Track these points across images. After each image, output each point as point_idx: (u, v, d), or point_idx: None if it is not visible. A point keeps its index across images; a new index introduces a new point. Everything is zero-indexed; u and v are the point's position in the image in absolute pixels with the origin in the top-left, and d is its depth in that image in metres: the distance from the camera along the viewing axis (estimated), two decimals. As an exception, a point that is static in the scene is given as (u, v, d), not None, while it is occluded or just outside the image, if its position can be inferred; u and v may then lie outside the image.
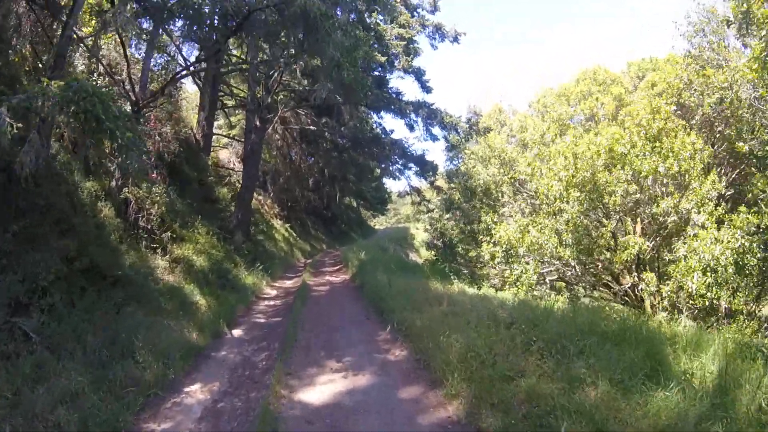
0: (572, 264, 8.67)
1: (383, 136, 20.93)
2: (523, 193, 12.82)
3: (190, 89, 21.55)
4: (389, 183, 57.25)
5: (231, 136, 23.53)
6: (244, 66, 14.85)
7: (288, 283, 13.40)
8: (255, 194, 23.89)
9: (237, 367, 5.64)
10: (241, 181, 15.99)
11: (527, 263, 9.09)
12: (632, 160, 9.35)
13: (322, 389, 4.56)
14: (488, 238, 11.30)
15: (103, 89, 4.87)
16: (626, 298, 11.96)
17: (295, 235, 25.20)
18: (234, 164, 21.31)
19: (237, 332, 7.27)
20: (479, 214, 12.75)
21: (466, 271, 12.07)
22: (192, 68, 12.02)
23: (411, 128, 18.80)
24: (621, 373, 4.06)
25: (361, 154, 22.72)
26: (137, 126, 5.98)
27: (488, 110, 19.68)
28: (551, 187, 8.52)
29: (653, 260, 9.39)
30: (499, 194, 12.60)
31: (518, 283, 9.30)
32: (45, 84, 4.34)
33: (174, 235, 10.21)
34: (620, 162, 9.51)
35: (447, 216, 14.48)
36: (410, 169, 20.87)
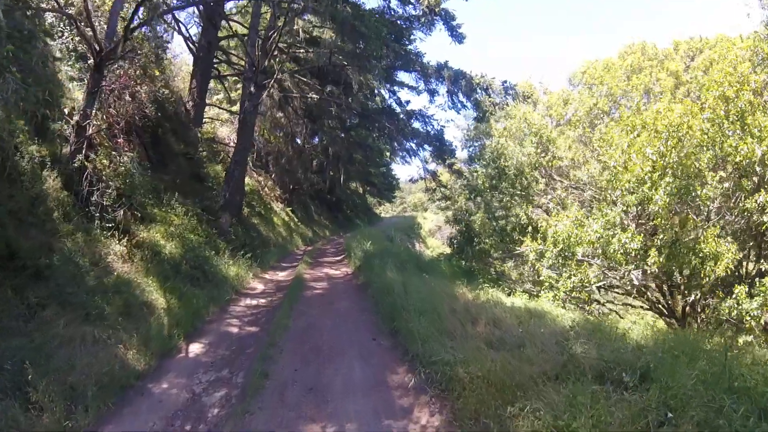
0: (652, 271, 6.60)
1: (398, 107, 18.62)
2: (563, 181, 10.74)
3: (186, 58, 19.60)
4: (397, 169, 55.16)
5: (232, 111, 21.58)
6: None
7: (280, 275, 11.52)
8: (255, 175, 22.01)
9: (176, 414, 3.74)
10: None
11: (588, 267, 7.06)
12: (720, 141, 7.27)
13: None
14: (522, 236, 9.29)
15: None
16: (660, 307, 10.00)
17: (296, 219, 23.39)
18: (233, 141, 19.44)
19: (196, 348, 5.37)
20: (509, 203, 10.71)
21: (493, 272, 10.10)
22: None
23: (432, 95, 16.54)
24: None
25: (371, 130, 20.41)
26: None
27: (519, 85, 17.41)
28: (644, 167, 6.32)
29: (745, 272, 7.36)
30: (534, 181, 10.55)
31: (570, 290, 7.29)
32: None
33: (138, 214, 8.34)
34: (701, 141, 7.42)
35: (471, 204, 12.45)
36: (425, 150, 18.64)
